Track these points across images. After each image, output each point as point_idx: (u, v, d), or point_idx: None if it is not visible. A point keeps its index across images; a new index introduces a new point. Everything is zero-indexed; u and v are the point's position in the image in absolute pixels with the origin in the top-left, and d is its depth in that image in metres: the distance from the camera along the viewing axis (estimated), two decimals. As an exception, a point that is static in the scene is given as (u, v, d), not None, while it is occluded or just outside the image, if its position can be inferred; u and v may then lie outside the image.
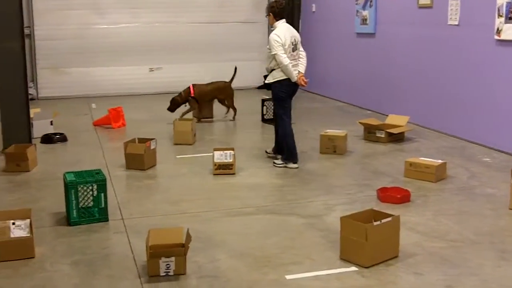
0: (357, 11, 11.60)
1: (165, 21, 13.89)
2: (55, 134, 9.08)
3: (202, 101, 10.46)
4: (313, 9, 13.71)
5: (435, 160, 6.93)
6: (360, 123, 9.03)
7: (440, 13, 9.08)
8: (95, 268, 4.64)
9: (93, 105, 12.27)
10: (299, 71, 7.29)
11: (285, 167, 7.39)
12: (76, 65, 13.46)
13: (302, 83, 7.23)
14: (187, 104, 10.39)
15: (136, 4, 13.65)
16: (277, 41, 7.06)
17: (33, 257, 4.81)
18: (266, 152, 7.97)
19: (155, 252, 4.41)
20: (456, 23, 8.73)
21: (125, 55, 13.69)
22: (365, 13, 11.32)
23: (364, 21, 11.38)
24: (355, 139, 8.78)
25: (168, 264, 4.43)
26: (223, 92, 10.55)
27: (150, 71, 13.89)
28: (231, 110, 10.70)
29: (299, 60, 7.36)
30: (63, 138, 9.02)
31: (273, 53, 7.11)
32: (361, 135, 8.92)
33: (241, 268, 4.60)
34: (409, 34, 9.99)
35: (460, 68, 8.74)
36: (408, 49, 10.05)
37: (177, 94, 10.44)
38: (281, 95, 7.28)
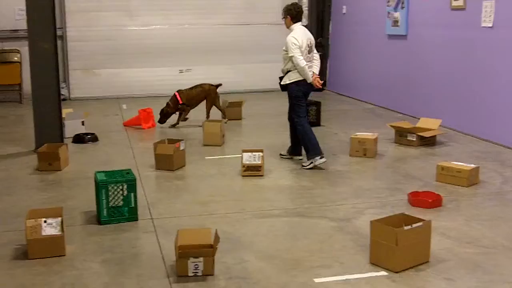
0: (388, 12, 11.51)
1: (195, 23, 13.94)
2: (87, 134, 9.16)
3: (191, 106, 10.29)
4: (344, 11, 13.65)
5: (467, 165, 6.84)
6: (391, 126, 8.95)
7: (473, 15, 8.96)
8: (125, 267, 4.66)
9: (124, 106, 12.36)
10: (313, 72, 7.45)
11: (314, 166, 7.35)
12: (107, 66, 13.58)
13: (317, 84, 7.41)
14: (177, 113, 10.25)
15: (166, 6, 13.72)
16: (295, 44, 7.21)
17: (64, 255, 4.85)
18: (281, 154, 7.98)
19: (184, 252, 4.42)
20: (490, 25, 8.61)
21: (155, 56, 13.76)
22: (397, 14, 11.23)
23: (395, 22, 11.29)
24: (386, 142, 8.71)
25: (196, 265, 4.43)
26: (209, 95, 10.31)
27: (180, 72, 13.95)
28: (215, 115, 10.44)
29: (313, 62, 7.53)
30: (94, 138, 9.10)
31: (290, 55, 7.24)
32: (392, 138, 8.84)
33: (269, 270, 4.58)
34: (441, 36, 9.88)
35: (494, 71, 8.62)
36: (440, 52, 9.94)
37: (165, 106, 10.16)
38: (298, 94, 7.43)
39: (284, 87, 7.53)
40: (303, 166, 7.47)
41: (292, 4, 7.51)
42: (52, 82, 8.30)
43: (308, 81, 7.33)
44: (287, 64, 7.35)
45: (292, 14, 7.39)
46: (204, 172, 7.41)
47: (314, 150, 7.40)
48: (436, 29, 10.04)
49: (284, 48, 7.34)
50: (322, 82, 7.50)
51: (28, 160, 7.94)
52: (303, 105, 7.51)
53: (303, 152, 7.68)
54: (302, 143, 7.57)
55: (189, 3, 13.82)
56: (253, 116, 10.93)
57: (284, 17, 7.47)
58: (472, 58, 9.10)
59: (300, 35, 7.28)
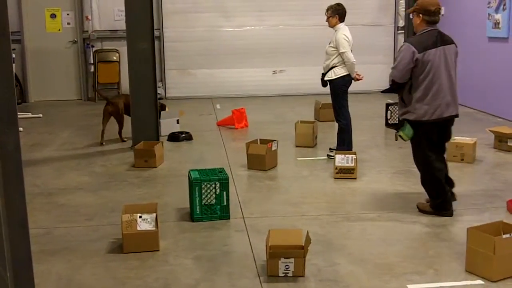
0: (489, 14, 11.10)
1: (289, 24, 13.94)
2: (181, 132, 9.33)
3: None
4: (442, 12, 13.26)
5: None
6: (491, 131, 8.62)
7: None
8: (216, 264, 4.71)
9: (218, 106, 12.53)
10: None
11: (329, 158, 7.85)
12: (202, 67, 13.80)
13: (358, 77, 7.75)
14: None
15: (262, 7, 13.79)
16: (347, 41, 7.62)
17: (157, 250, 4.96)
18: (330, 149, 8.18)
19: (275, 253, 4.41)
20: None
21: (250, 57, 13.86)
22: (498, 16, 10.82)
23: (496, 25, 10.88)
24: (485, 148, 8.39)
25: (287, 265, 4.42)
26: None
27: (273, 73, 13.99)
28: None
29: None
30: (188, 137, 9.26)
31: (342, 51, 7.55)
32: (491, 143, 8.50)
33: (361, 274, 4.51)
34: (546, 39, 9.43)
35: None
36: (545, 55, 9.49)
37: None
38: (343, 89, 7.78)
39: (326, 82, 7.86)
40: (329, 156, 7.93)
41: (338, 4, 7.85)
42: (149, 81, 8.50)
43: (352, 75, 7.66)
44: (334, 60, 7.67)
45: (341, 14, 7.76)
46: (295, 173, 7.39)
47: (347, 147, 7.78)
48: (541, 30, 9.60)
49: (331, 45, 7.70)
50: (362, 76, 7.76)
51: (125, 157, 8.17)
52: (346, 99, 7.85)
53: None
54: (338, 136, 7.93)
55: (284, 4, 13.83)
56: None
57: (331, 16, 7.78)
58: None
59: (348, 34, 7.68)
